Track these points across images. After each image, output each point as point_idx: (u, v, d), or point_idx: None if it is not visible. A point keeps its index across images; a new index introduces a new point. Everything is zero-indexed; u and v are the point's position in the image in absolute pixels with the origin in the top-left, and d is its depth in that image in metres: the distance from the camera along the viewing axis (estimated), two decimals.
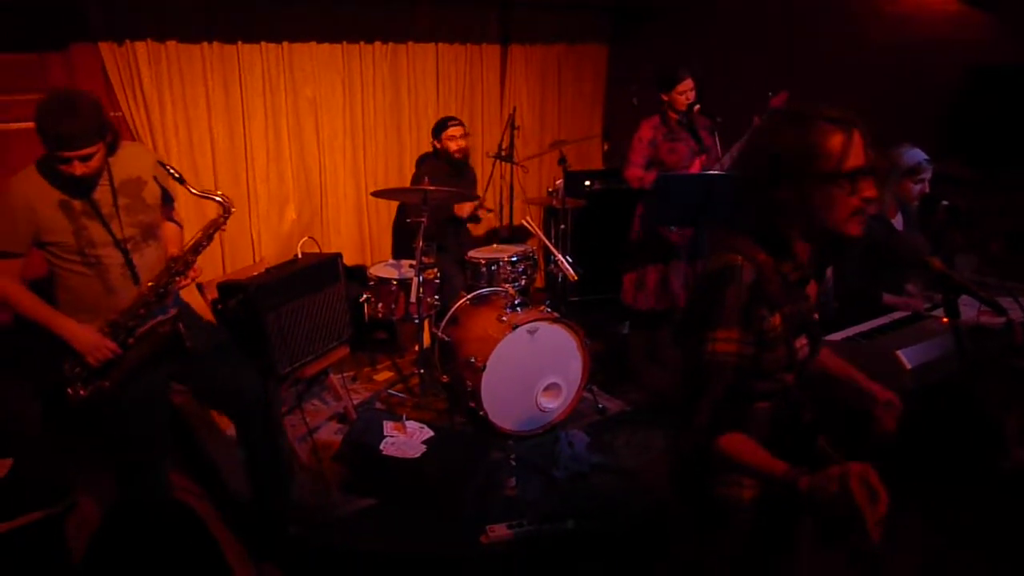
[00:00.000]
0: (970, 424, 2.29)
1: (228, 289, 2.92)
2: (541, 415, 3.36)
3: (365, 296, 3.72)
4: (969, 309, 2.23)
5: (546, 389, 3.33)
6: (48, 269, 2.20)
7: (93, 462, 2.54)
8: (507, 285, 3.68)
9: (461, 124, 4.12)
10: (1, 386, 2.92)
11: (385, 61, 4.49)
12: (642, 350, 4.14)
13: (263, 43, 4.01)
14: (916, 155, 2.84)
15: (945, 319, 1.96)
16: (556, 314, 3.32)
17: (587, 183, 4.97)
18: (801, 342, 1.43)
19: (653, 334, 4.07)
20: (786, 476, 1.23)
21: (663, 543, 2.32)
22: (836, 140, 1.30)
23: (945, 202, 3.10)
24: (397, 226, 4.73)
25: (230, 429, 3.17)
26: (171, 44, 3.72)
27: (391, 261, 4.02)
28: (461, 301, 3.55)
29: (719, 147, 3.66)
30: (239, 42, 3.93)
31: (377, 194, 3.70)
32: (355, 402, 3.65)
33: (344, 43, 4.30)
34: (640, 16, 5.16)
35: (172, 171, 2.21)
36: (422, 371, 3.67)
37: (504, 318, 3.23)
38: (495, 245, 4.14)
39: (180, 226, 2.54)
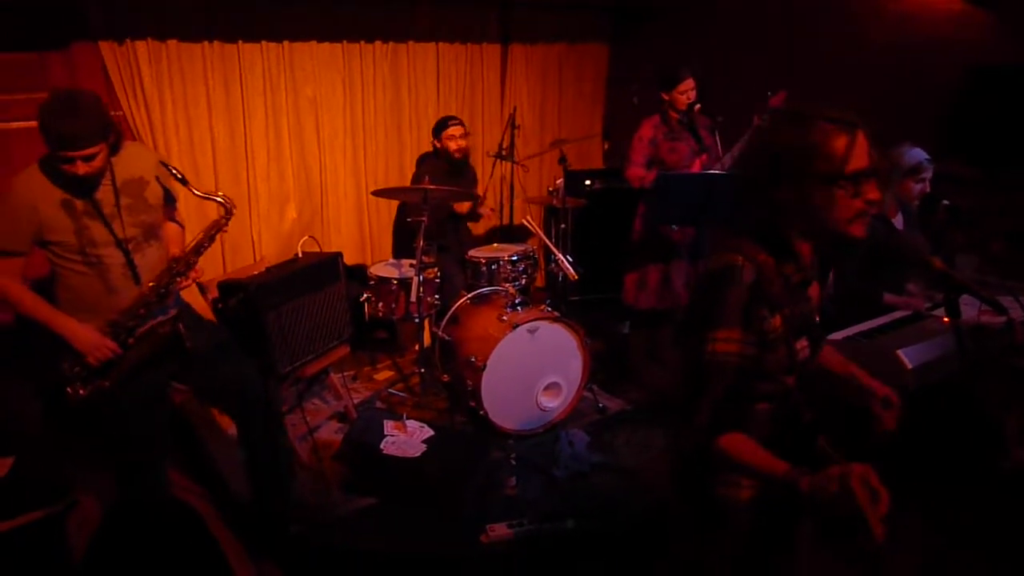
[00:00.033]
0: (970, 424, 2.29)
1: (229, 288, 2.93)
2: (541, 414, 3.36)
3: (365, 295, 3.72)
4: (970, 308, 2.24)
5: (546, 388, 3.33)
6: (50, 268, 2.20)
7: (93, 461, 2.54)
8: (507, 284, 3.68)
9: (461, 123, 4.12)
10: (2, 385, 2.92)
11: (385, 60, 4.49)
12: (643, 349, 4.14)
13: (264, 42, 4.01)
14: (917, 155, 2.84)
15: (946, 318, 1.96)
16: (556, 313, 3.33)
17: (587, 182, 4.97)
18: (802, 343, 1.42)
19: (654, 333, 4.07)
20: (787, 476, 1.23)
21: (663, 542, 2.32)
22: (840, 141, 1.29)
23: (946, 202, 3.10)
24: (397, 225, 4.73)
25: (231, 428, 3.17)
26: (172, 43, 3.72)
27: (391, 260, 4.02)
28: (461, 300, 3.55)
29: (719, 146, 3.67)
30: (240, 41, 3.93)
31: (377, 193, 3.70)
32: (355, 401, 3.66)
33: (344, 42, 4.30)
34: (640, 16, 5.16)
35: (175, 172, 2.21)
36: (422, 370, 3.67)
37: (504, 317, 3.24)
38: (495, 244, 4.14)
39: (182, 226, 2.55)
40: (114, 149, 2.13)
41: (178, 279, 2.26)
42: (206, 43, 3.83)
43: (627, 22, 5.27)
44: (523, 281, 3.84)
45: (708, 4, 4.64)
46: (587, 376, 3.44)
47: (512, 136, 4.38)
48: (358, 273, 4.20)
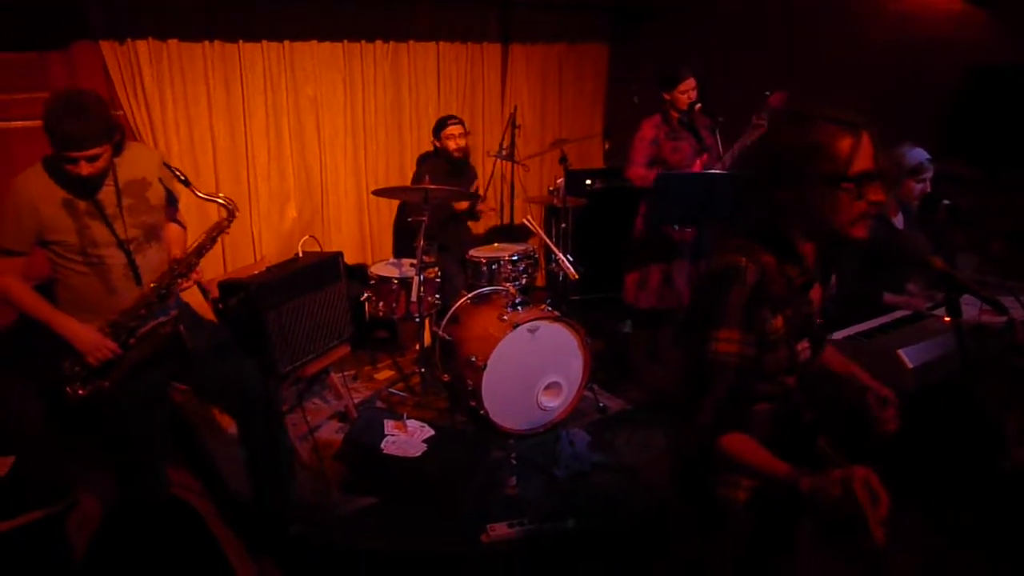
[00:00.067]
0: (971, 424, 2.29)
1: (229, 288, 2.93)
2: (542, 414, 3.36)
3: (366, 295, 3.72)
4: (971, 308, 2.24)
5: (547, 388, 3.33)
6: (51, 269, 2.21)
7: (93, 461, 2.55)
8: (508, 284, 3.68)
9: (461, 123, 4.12)
10: (3, 385, 2.92)
11: (386, 60, 4.49)
12: (643, 349, 4.14)
13: (264, 42, 4.01)
14: (918, 155, 2.84)
15: (947, 318, 1.96)
16: (557, 313, 3.33)
17: (588, 182, 4.97)
18: (803, 345, 1.42)
19: (655, 333, 4.07)
20: (788, 477, 1.23)
21: (664, 542, 2.33)
22: (844, 143, 1.29)
23: (946, 201, 3.10)
24: (398, 225, 4.73)
25: (231, 427, 3.18)
26: (172, 43, 3.72)
27: (392, 260, 4.02)
28: (462, 300, 3.55)
29: (720, 146, 3.67)
30: (240, 41, 3.93)
31: (378, 193, 3.70)
32: (356, 401, 3.66)
33: (345, 42, 4.31)
34: (640, 16, 5.16)
35: (178, 173, 2.21)
36: (423, 370, 3.67)
37: (505, 317, 3.24)
38: (496, 244, 4.14)
39: (184, 227, 2.55)
40: (117, 150, 2.13)
41: (179, 280, 2.26)
42: (207, 42, 3.83)
43: (627, 22, 5.27)
44: (523, 281, 3.84)
45: (708, 4, 4.64)
46: (588, 376, 3.44)
47: (512, 136, 4.38)
48: (359, 272, 4.20)
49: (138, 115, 3.69)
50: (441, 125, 4.11)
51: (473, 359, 3.20)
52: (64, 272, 2.18)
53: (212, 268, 3.89)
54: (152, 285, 2.22)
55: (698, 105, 3.65)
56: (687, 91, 3.64)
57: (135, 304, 2.20)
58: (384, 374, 4.05)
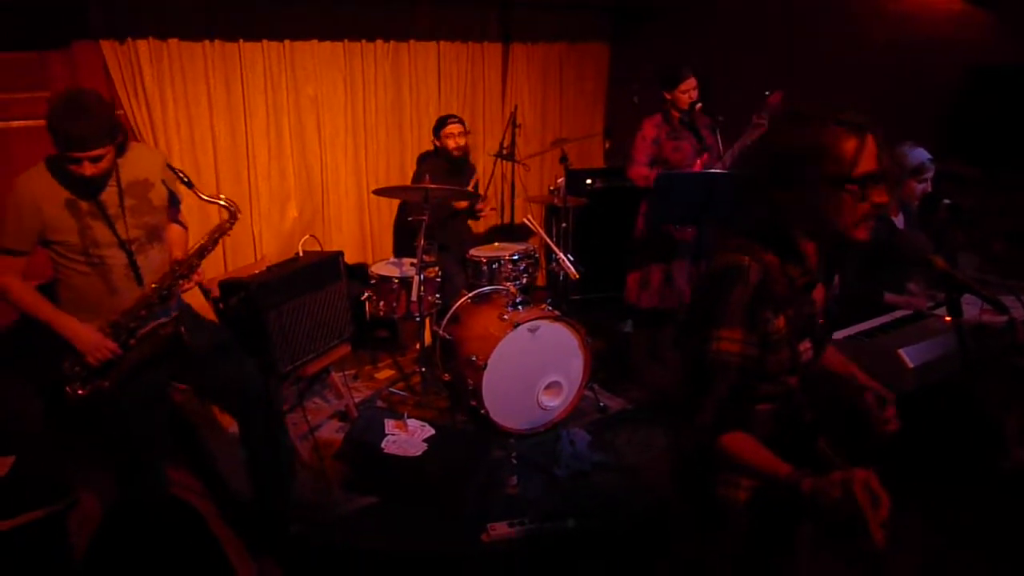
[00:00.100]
0: (971, 423, 2.29)
1: (230, 287, 2.93)
2: (542, 413, 3.36)
3: (366, 294, 3.72)
4: (971, 308, 2.24)
5: (547, 387, 3.33)
6: (53, 268, 2.21)
7: (94, 460, 2.55)
8: (508, 283, 3.68)
9: (460, 122, 4.12)
10: (3, 384, 2.92)
11: (387, 59, 4.49)
12: (644, 349, 4.14)
13: (264, 41, 4.01)
14: (920, 155, 2.84)
15: (947, 318, 1.96)
16: (557, 312, 3.33)
17: (588, 181, 4.97)
18: (805, 345, 1.42)
19: (656, 333, 4.07)
20: (789, 478, 1.23)
21: (664, 542, 2.33)
22: (849, 144, 1.28)
23: (947, 201, 3.10)
24: (398, 224, 4.73)
25: (231, 427, 3.18)
26: (173, 42, 3.72)
27: (392, 259, 4.02)
28: (462, 299, 3.55)
29: (720, 145, 3.67)
30: (240, 40, 3.93)
31: (379, 192, 3.70)
32: (356, 400, 3.66)
33: (346, 41, 4.30)
34: (641, 15, 5.16)
35: (181, 175, 2.21)
36: (423, 369, 3.67)
37: (505, 316, 3.24)
38: (496, 243, 4.14)
39: (185, 228, 2.55)
40: (120, 150, 2.14)
41: (180, 281, 2.26)
42: (207, 42, 3.83)
43: (628, 22, 5.27)
44: (524, 280, 3.84)
45: (708, 4, 4.63)
46: (588, 375, 3.44)
47: (513, 135, 4.39)
48: (359, 272, 4.20)
49: (138, 114, 3.69)
50: (441, 124, 4.11)
51: (474, 358, 3.20)
52: (65, 272, 2.18)
53: (213, 267, 3.89)
54: (153, 286, 2.22)
55: (699, 104, 3.65)
56: (688, 91, 3.64)
57: (136, 305, 2.20)
58: (385, 373, 4.05)
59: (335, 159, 4.47)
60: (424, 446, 2.94)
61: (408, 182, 4.30)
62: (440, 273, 3.71)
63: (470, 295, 3.56)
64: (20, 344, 2.82)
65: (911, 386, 2.22)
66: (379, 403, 3.69)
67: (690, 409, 1.38)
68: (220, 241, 2.33)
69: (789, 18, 4.17)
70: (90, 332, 2.14)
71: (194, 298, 2.71)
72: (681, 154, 3.71)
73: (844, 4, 3.92)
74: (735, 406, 1.35)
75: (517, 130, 4.39)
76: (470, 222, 4.49)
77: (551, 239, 3.68)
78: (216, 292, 2.98)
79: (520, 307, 3.31)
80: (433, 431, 3.04)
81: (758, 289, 1.33)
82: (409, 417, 3.10)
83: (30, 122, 3.35)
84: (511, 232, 4.60)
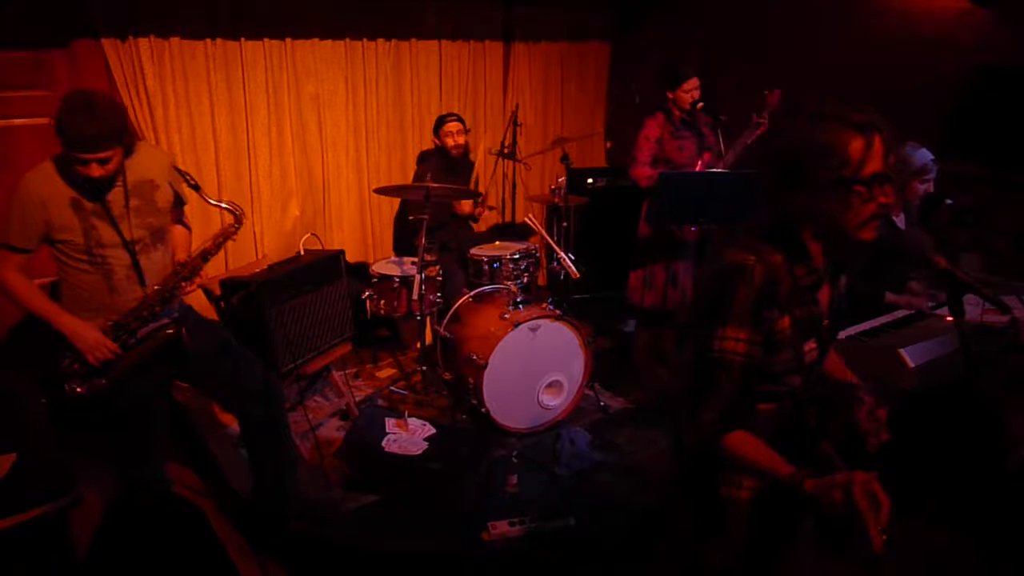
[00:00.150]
0: (973, 423, 2.28)
1: (231, 286, 2.93)
2: (543, 412, 3.36)
3: (367, 293, 3.72)
4: (973, 307, 2.23)
5: (548, 386, 3.33)
6: (55, 266, 2.21)
7: (96, 457, 2.55)
8: (509, 282, 3.68)
9: (459, 120, 4.11)
10: (7, 380, 2.93)
11: (388, 58, 4.49)
12: (646, 348, 4.14)
13: (266, 40, 4.01)
14: (924, 156, 2.83)
15: (949, 317, 1.95)
16: (558, 312, 3.32)
17: (590, 180, 4.97)
18: (810, 345, 1.42)
19: (658, 332, 4.07)
20: (792, 478, 1.23)
21: (665, 541, 2.32)
22: (857, 145, 1.27)
23: (949, 200, 3.09)
24: (398, 223, 4.73)
25: (232, 425, 3.19)
26: (174, 41, 3.71)
27: (393, 258, 4.02)
28: (463, 298, 3.55)
29: (722, 145, 3.67)
30: (242, 39, 3.93)
31: (380, 191, 3.70)
32: (357, 399, 3.66)
33: (347, 40, 4.30)
34: (642, 14, 5.16)
35: (188, 177, 2.21)
36: (424, 368, 3.67)
37: (506, 315, 3.24)
38: (497, 242, 4.14)
39: (189, 228, 2.55)
40: (128, 151, 2.14)
41: (183, 284, 2.26)
42: (208, 41, 3.83)
43: (629, 21, 5.27)
44: (525, 279, 3.84)
45: (709, 2, 4.63)
46: (589, 374, 3.44)
47: (514, 134, 4.38)
48: (360, 271, 4.20)
49: (140, 113, 3.69)
50: (440, 123, 4.11)
51: (474, 357, 3.20)
52: (68, 270, 2.18)
53: (214, 266, 3.86)
54: (156, 287, 2.22)
55: (700, 104, 3.65)
56: (691, 90, 3.63)
57: (138, 305, 2.21)
58: (385, 372, 4.05)
59: (336, 158, 4.47)
60: (425, 445, 2.95)
61: (410, 181, 4.30)
62: (441, 272, 3.71)
63: (471, 294, 3.56)
64: (25, 340, 2.82)
65: (912, 386, 2.22)
66: (380, 402, 3.69)
67: (693, 407, 1.37)
68: (224, 244, 2.33)
69: (790, 17, 4.16)
70: (91, 331, 2.14)
71: (196, 298, 2.71)
72: (685, 153, 3.70)
73: (845, 3, 3.92)
74: (738, 405, 1.35)
75: (518, 129, 4.39)
76: (470, 222, 4.49)
77: (552, 238, 3.68)
78: (218, 291, 2.99)
79: (521, 306, 3.31)
80: (434, 430, 3.04)
81: (762, 289, 1.32)
82: (410, 416, 3.10)
83: (31, 120, 3.35)
84: (512, 231, 4.60)
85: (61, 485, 2.47)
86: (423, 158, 4.29)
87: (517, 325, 3.17)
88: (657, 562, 2.38)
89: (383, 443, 2.94)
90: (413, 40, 4.54)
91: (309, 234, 3.62)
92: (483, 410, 3.22)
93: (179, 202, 2.38)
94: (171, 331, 2.22)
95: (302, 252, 3.34)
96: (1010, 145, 3.30)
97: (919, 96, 3.51)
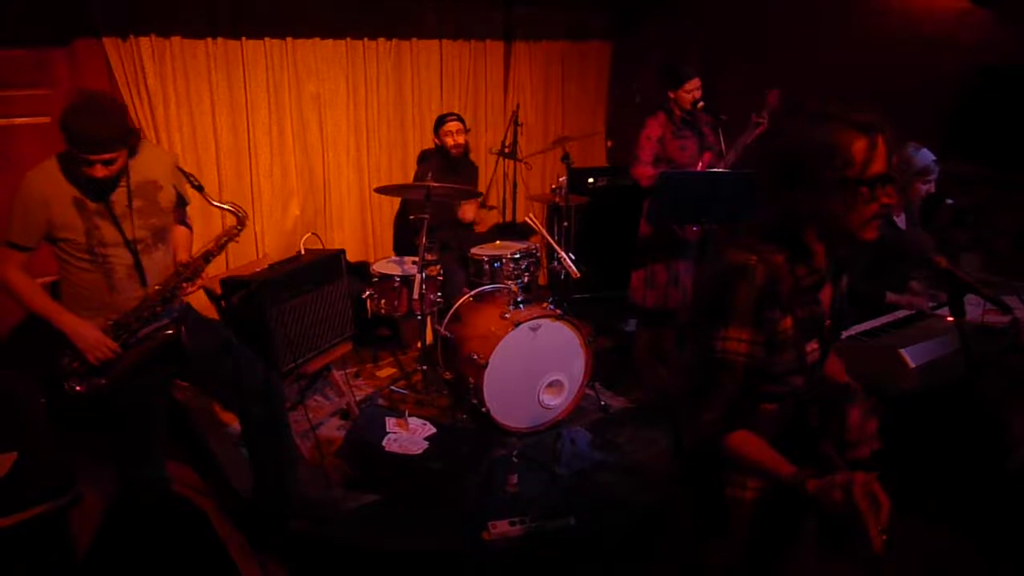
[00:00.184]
0: (974, 424, 2.28)
1: (232, 285, 2.93)
2: (544, 412, 3.36)
3: (368, 292, 3.72)
4: (974, 308, 2.23)
5: (549, 386, 3.33)
6: (57, 265, 2.21)
7: (96, 455, 2.55)
8: (510, 282, 3.68)
9: (459, 119, 4.11)
10: (7, 379, 2.93)
11: (389, 58, 4.49)
12: (647, 348, 4.14)
13: (267, 39, 4.01)
14: (926, 156, 2.83)
15: (950, 318, 1.95)
16: (559, 311, 3.32)
17: (590, 180, 4.96)
18: (812, 346, 1.41)
19: (659, 332, 4.07)
20: (793, 478, 1.23)
21: (665, 540, 2.32)
22: (860, 145, 1.27)
23: (949, 201, 3.09)
24: (398, 223, 4.73)
25: (232, 424, 3.19)
26: (175, 40, 3.72)
27: (394, 257, 4.02)
28: (464, 298, 3.55)
29: (722, 144, 3.67)
30: (243, 38, 3.93)
31: (381, 190, 3.70)
32: (358, 398, 3.66)
33: (348, 39, 4.31)
34: (642, 14, 5.16)
35: (191, 179, 2.21)
36: (425, 368, 3.67)
37: (507, 315, 3.23)
38: (498, 242, 4.14)
39: (190, 228, 2.55)
40: (132, 152, 2.14)
41: (184, 284, 2.27)
42: (209, 40, 3.83)
43: (629, 20, 5.27)
44: (525, 279, 3.83)
45: (709, 2, 4.63)
46: (589, 374, 3.44)
47: (515, 133, 4.38)
48: (361, 270, 4.20)
49: (141, 112, 3.69)
50: (440, 122, 4.11)
51: (475, 357, 3.20)
52: (69, 269, 2.18)
53: (214, 265, 3.83)
54: (157, 288, 2.23)
55: (701, 104, 3.65)
56: (692, 90, 3.63)
57: (139, 305, 2.21)
58: (386, 372, 4.05)
59: (337, 157, 4.47)
60: (425, 444, 2.95)
61: (410, 180, 4.30)
62: (442, 271, 3.71)
63: (471, 293, 3.56)
64: (25, 338, 2.82)
65: (913, 386, 2.22)
66: (380, 401, 3.69)
67: (695, 407, 1.37)
68: (226, 246, 2.34)
69: (791, 17, 4.16)
70: (91, 330, 2.14)
71: (197, 297, 2.71)
72: (687, 153, 3.70)
73: (845, 3, 3.91)
74: (740, 405, 1.35)
75: (519, 128, 4.39)
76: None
77: (553, 238, 3.68)
78: (218, 290, 2.99)
79: (521, 306, 3.31)
80: (434, 429, 3.04)
81: (764, 289, 1.32)
82: (410, 415, 3.10)
83: (32, 119, 3.35)
84: (513, 231, 4.60)
85: (61, 484, 2.47)
86: (423, 158, 4.29)
87: (518, 325, 3.17)
88: (657, 561, 2.38)
89: (384, 442, 2.94)
90: (414, 39, 4.54)
91: (310, 233, 3.62)
92: (484, 409, 3.22)
93: (182, 203, 2.38)
94: (170, 331, 2.22)
95: (303, 251, 3.34)
96: (1010, 145, 3.30)
97: (919, 96, 3.51)
